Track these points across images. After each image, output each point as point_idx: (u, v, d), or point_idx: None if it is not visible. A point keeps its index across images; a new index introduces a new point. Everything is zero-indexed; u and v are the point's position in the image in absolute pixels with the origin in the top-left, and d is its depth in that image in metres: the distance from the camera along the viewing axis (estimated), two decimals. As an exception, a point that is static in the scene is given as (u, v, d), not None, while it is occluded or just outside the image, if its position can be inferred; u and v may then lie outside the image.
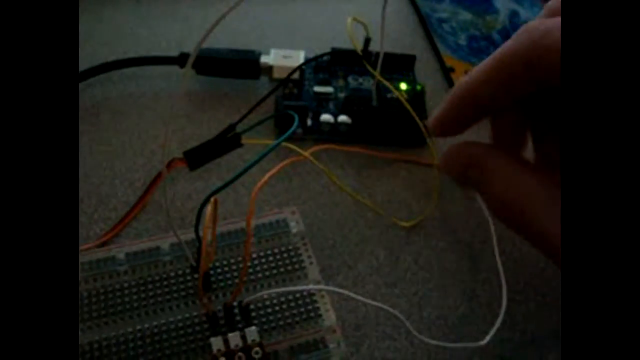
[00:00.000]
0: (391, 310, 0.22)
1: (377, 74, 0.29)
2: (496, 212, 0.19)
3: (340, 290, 0.21)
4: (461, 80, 0.20)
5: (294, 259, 0.25)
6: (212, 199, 0.20)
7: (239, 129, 0.25)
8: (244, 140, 0.25)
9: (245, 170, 0.21)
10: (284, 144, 0.23)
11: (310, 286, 0.24)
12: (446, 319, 0.25)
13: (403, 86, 0.32)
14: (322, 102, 0.31)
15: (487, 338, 0.23)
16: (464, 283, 0.26)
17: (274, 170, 0.22)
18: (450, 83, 0.34)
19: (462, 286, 0.26)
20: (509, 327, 0.25)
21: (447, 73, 0.35)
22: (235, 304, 0.23)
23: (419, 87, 0.32)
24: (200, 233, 0.21)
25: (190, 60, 0.18)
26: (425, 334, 0.23)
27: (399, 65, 0.33)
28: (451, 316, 0.25)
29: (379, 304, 0.21)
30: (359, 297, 0.21)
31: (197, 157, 0.24)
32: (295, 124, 0.23)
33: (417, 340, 0.24)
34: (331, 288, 0.22)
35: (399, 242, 0.27)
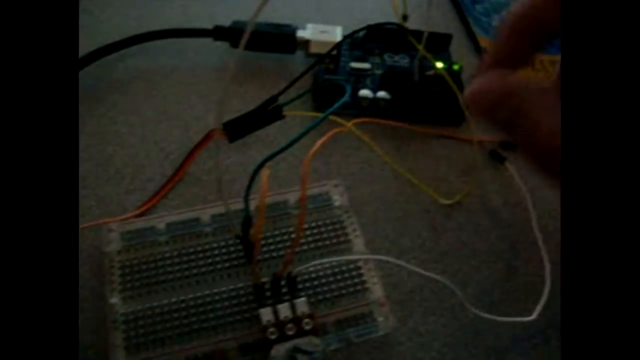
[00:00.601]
0: (444, 280, 0.21)
1: (421, 48, 0.29)
2: (537, 148, 0.15)
3: (395, 260, 0.21)
4: (516, 6, 0.17)
5: (339, 232, 0.24)
6: (266, 166, 0.20)
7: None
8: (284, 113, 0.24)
9: (300, 136, 0.20)
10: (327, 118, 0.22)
11: (366, 255, 0.24)
12: (491, 294, 0.24)
13: (439, 65, 0.31)
14: (360, 78, 0.31)
15: (535, 314, 0.23)
16: (505, 260, 0.26)
17: (323, 139, 0.21)
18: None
19: (504, 263, 0.26)
20: (553, 302, 0.24)
21: (480, 53, 0.34)
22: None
23: (456, 66, 0.31)
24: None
25: (245, 37, 0.17)
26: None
27: (435, 44, 0.33)
28: (496, 292, 0.25)
29: (431, 274, 0.21)
30: (413, 267, 0.21)
31: (237, 129, 0.24)
32: (348, 92, 0.22)
33: (462, 315, 0.24)
34: (385, 257, 0.21)
35: (440, 218, 0.27)
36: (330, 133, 0.23)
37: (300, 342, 0.19)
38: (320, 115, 0.21)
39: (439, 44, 0.33)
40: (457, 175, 0.28)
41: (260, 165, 0.20)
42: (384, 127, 0.29)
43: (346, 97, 0.22)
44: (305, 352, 0.18)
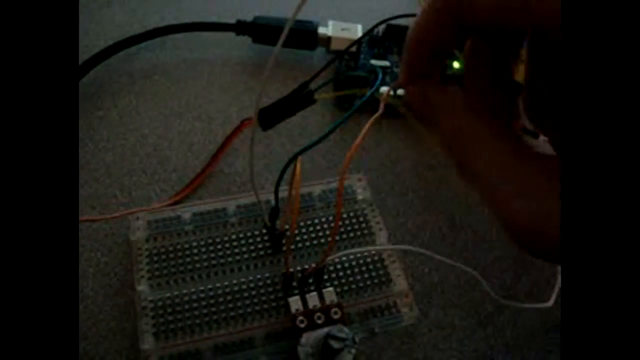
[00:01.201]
0: (469, 269, 0.21)
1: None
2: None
3: (423, 250, 0.21)
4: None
5: (363, 224, 0.24)
6: (298, 159, 0.20)
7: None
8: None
9: (335, 128, 0.20)
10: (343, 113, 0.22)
11: (395, 246, 0.24)
12: (509, 289, 0.25)
13: (456, 64, 0.32)
14: (379, 75, 0.31)
15: (551, 301, 0.24)
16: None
17: (367, 126, 0.20)
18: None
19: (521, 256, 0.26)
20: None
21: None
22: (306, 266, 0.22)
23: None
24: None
25: (285, 31, 0.17)
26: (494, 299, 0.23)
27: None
28: (518, 282, 0.25)
29: (458, 264, 0.21)
30: (440, 257, 0.21)
31: (270, 117, 0.24)
32: (380, 77, 0.22)
33: (482, 309, 0.24)
34: (415, 248, 0.21)
35: (461, 212, 0.27)
36: (371, 120, 0.22)
37: (333, 329, 0.19)
38: (356, 102, 0.21)
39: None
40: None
41: (294, 158, 0.20)
42: (404, 124, 0.29)
43: (379, 80, 0.22)
44: (338, 339, 0.18)
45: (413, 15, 0.31)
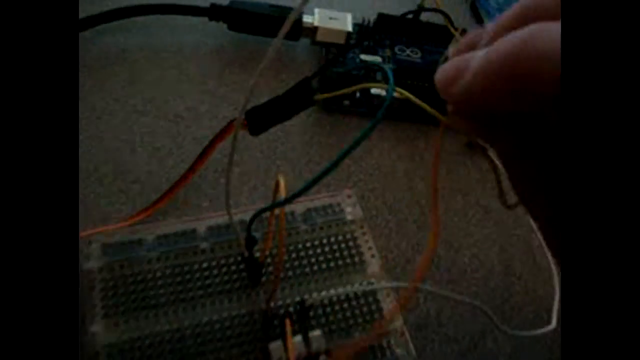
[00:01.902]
0: (477, 304, 0.19)
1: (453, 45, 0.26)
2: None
3: (427, 287, 0.18)
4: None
5: (353, 250, 0.22)
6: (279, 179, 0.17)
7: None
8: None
9: (353, 147, 0.15)
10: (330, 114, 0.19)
11: (390, 284, 0.21)
12: (510, 319, 0.23)
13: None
14: (370, 71, 0.28)
15: (553, 322, 0.22)
16: (521, 278, 0.24)
17: (437, 146, 0.16)
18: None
19: (522, 280, 0.24)
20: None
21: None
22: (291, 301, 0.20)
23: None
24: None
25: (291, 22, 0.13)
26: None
27: (448, 38, 0.30)
28: (516, 314, 0.23)
29: (466, 298, 0.19)
30: (447, 293, 0.18)
31: (261, 120, 0.20)
32: (391, 79, 0.18)
33: (481, 344, 0.22)
34: (412, 285, 0.19)
35: (459, 232, 0.24)
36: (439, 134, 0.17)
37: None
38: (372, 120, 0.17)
39: (451, 37, 0.31)
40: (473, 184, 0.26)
41: (271, 206, 0.17)
42: (395, 128, 0.26)
43: (391, 79, 0.18)
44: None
45: (401, 18, 0.28)
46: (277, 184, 0.17)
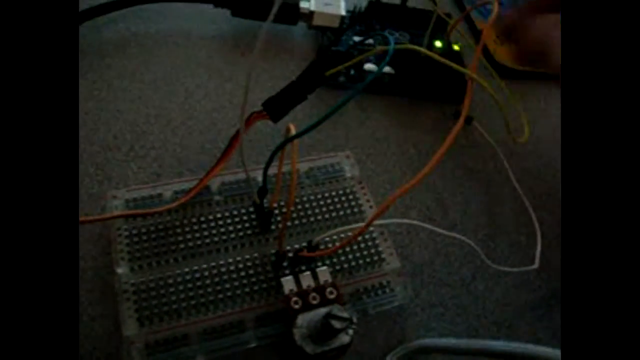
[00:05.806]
0: (466, 239, 0.21)
1: (449, 27, 0.29)
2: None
3: (417, 223, 0.20)
4: None
5: (352, 202, 0.24)
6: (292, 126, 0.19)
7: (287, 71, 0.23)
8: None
9: (338, 107, 0.18)
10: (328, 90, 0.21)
11: (392, 220, 0.23)
12: (497, 258, 0.25)
13: (438, 44, 0.31)
14: (363, 52, 0.30)
15: (536, 262, 0.24)
16: (507, 224, 0.26)
17: (458, 126, 0.18)
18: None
19: (507, 229, 0.26)
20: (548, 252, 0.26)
21: (477, 35, 0.35)
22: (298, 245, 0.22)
23: (456, 47, 0.31)
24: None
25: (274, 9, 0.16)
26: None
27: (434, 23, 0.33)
28: (506, 250, 0.25)
29: (455, 234, 0.21)
30: (436, 228, 0.21)
31: (280, 106, 0.22)
32: (392, 44, 0.20)
33: (472, 287, 0.24)
34: (408, 221, 0.21)
35: (448, 190, 0.27)
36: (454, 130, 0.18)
37: (333, 309, 0.18)
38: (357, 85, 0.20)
39: (437, 23, 0.33)
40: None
41: (285, 143, 0.19)
42: (388, 102, 0.29)
43: (391, 51, 0.20)
44: (340, 319, 0.17)
45: (391, 5, 0.31)
46: (288, 129, 0.19)
